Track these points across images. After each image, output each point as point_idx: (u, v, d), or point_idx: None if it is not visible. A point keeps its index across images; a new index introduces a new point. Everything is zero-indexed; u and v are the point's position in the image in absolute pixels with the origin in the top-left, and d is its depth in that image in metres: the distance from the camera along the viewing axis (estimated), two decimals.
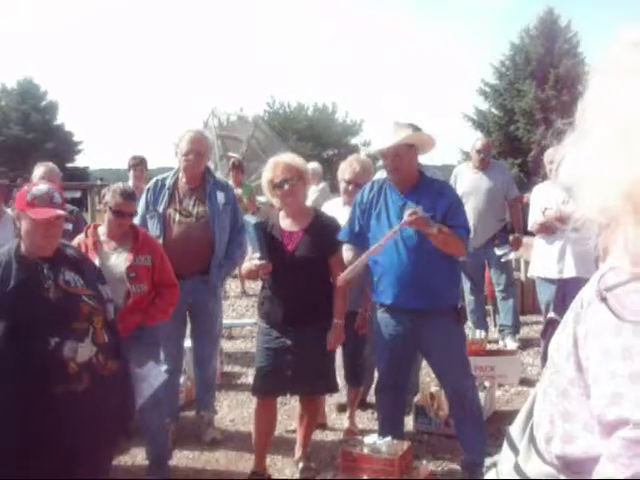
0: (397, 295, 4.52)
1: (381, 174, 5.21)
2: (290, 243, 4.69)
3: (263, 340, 4.79)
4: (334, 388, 5.00)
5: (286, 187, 4.66)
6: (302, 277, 4.61)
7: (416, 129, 4.60)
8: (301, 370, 4.63)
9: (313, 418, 5.08)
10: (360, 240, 4.67)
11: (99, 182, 23.92)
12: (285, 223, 4.78)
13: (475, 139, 8.33)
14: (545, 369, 1.27)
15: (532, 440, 1.26)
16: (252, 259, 4.67)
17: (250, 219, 4.78)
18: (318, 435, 5.53)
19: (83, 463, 3.33)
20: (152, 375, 3.90)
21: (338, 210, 5.35)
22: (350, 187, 5.48)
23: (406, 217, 4.20)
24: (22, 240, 3.36)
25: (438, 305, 4.50)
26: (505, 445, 1.51)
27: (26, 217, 3.32)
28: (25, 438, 3.15)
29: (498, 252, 7.84)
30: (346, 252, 4.72)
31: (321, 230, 4.72)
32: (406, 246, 4.45)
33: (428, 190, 4.54)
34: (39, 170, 6.15)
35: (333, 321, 4.68)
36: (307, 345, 4.61)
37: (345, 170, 5.60)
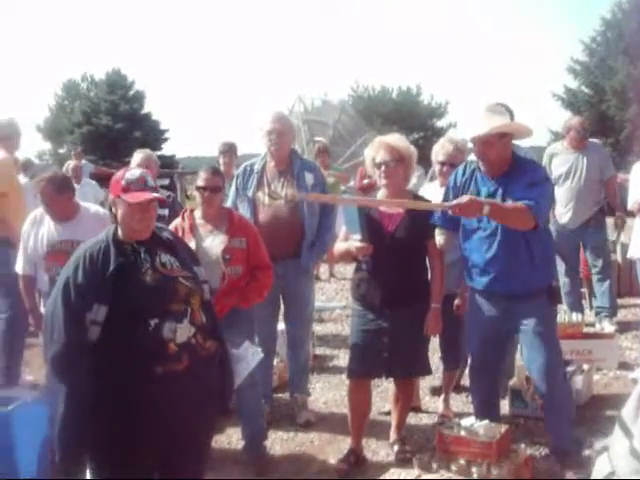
0: (488, 284, 4.47)
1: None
2: (390, 224, 4.65)
3: (359, 322, 4.77)
4: (428, 371, 4.97)
5: (383, 168, 4.64)
6: (401, 259, 4.57)
7: (511, 115, 4.50)
8: (397, 352, 4.61)
9: (408, 400, 5.06)
10: (452, 224, 4.56)
11: (180, 170, 24.04)
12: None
13: (570, 117, 8.04)
14: None
15: None
16: (351, 241, 4.65)
17: None
18: (412, 418, 5.49)
19: (184, 443, 3.38)
20: (249, 355, 3.93)
21: (436, 192, 5.22)
22: (445, 168, 5.39)
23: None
24: (119, 225, 3.39)
25: (531, 289, 4.42)
26: (617, 429, 1.45)
27: (122, 202, 3.34)
28: (128, 418, 3.20)
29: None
30: (438, 236, 4.64)
31: (421, 213, 4.64)
32: (494, 237, 4.37)
33: (520, 177, 4.38)
34: (137, 157, 6.40)
35: (431, 306, 4.64)
36: (404, 327, 4.58)
37: (438, 152, 5.51)
